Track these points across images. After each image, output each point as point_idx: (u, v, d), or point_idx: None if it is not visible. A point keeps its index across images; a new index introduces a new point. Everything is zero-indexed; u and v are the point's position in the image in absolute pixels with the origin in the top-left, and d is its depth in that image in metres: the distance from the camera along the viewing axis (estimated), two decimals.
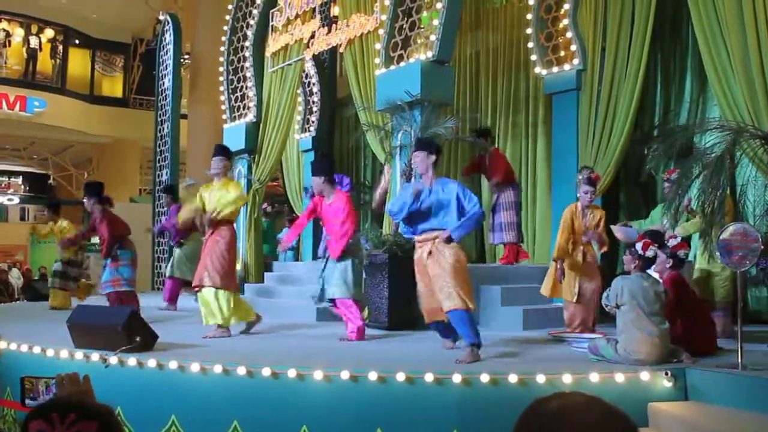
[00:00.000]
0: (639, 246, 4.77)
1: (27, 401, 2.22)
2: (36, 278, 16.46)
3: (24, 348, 5.15)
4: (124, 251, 7.45)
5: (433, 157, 5.10)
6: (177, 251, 9.12)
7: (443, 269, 4.85)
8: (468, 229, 5.03)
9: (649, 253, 4.71)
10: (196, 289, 6.20)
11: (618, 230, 6.60)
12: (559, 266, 6.08)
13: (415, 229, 5.12)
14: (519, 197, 8.24)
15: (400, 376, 4.11)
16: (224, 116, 11.10)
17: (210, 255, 6.14)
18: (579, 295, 6.05)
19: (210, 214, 6.17)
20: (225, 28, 11.07)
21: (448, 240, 4.86)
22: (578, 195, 6.27)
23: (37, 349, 5.08)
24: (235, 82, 10.93)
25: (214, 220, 6.18)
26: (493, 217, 8.18)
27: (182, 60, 14.57)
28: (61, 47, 22.08)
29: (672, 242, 5.31)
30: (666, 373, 4.23)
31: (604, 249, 6.26)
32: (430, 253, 4.94)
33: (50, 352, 5.01)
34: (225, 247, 6.18)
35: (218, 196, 6.25)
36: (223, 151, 6.62)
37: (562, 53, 7.48)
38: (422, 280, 5.09)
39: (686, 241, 5.37)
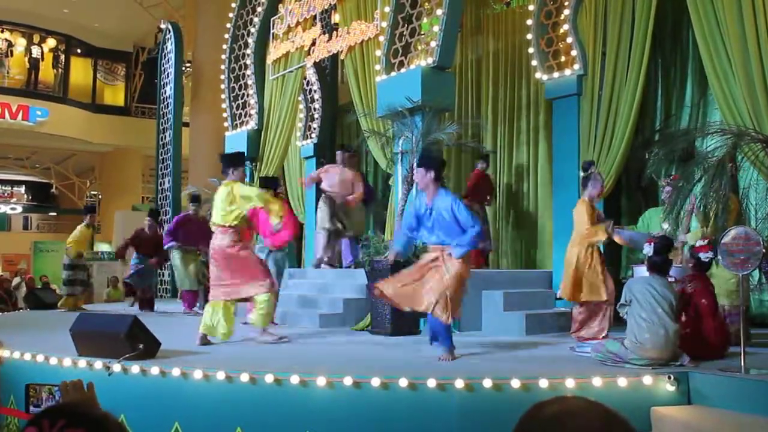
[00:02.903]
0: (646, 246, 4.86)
1: (31, 408, 2.22)
2: (39, 287, 16.46)
3: (27, 356, 5.15)
4: None
5: (432, 174, 5.23)
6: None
7: (441, 276, 5.10)
8: (466, 248, 5.15)
9: (646, 250, 4.80)
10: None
11: (616, 233, 6.62)
12: (610, 227, 6.04)
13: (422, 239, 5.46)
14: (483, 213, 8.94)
15: (403, 382, 4.11)
16: (226, 124, 11.14)
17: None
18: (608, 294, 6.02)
19: None
20: (226, 36, 11.11)
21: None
22: (592, 190, 6.21)
23: (40, 358, 5.09)
24: (237, 90, 10.96)
25: None
26: None
27: (184, 68, 14.60)
28: (63, 56, 22.16)
29: (699, 243, 5.33)
30: (669, 377, 4.23)
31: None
32: (436, 258, 5.18)
33: (53, 360, 5.01)
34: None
35: None
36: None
37: (563, 58, 7.49)
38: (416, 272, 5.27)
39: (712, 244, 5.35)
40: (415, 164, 6.16)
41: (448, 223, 5.13)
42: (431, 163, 5.29)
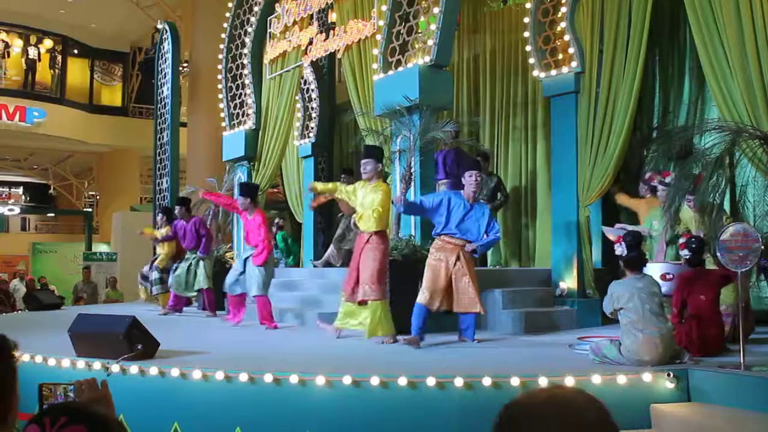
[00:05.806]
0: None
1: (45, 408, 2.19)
2: (38, 288, 16.44)
3: (26, 357, 5.14)
4: None
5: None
6: (204, 263, 9.18)
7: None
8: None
9: (619, 250, 4.79)
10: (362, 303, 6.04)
11: (608, 231, 6.66)
12: None
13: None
14: None
15: (402, 381, 4.10)
16: (223, 124, 11.12)
17: (367, 267, 5.95)
18: None
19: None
20: (223, 35, 11.09)
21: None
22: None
23: (38, 359, 5.08)
24: (234, 90, 10.95)
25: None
26: None
27: (181, 68, 14.59)
28: (59, 57, 22.12)
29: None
30: (668, 374, 4.22)
31: None
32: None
33: (52, 361, 5.00)
34: (381, 256, 6.00)
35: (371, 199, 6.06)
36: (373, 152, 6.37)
37: (560, 56, 7.48)
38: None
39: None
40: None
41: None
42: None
